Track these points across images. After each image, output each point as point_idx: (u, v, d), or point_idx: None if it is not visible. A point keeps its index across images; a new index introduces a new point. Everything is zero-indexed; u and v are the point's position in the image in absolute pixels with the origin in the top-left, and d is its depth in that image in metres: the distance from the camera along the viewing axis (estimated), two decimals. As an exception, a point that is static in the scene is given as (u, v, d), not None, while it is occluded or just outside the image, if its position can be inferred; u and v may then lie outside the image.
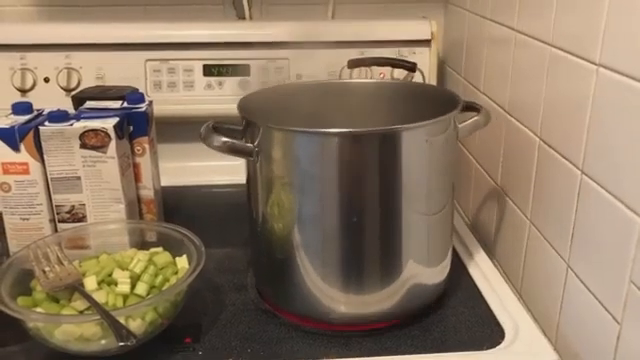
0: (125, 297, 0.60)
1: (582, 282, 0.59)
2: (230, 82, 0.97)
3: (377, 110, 0.72)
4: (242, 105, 0.64)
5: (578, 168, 0.59)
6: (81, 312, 0.58)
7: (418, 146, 0.58)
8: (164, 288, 0.61)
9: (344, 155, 0.57)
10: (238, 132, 0.62)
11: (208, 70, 0.97)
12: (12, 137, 0.69)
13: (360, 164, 0.58)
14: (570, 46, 0.60)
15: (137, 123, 0.75)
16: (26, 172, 0.70)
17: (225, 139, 0.59)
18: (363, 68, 0.94)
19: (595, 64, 0.55)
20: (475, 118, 0.65)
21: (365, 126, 0.57)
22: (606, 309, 0.54)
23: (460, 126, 0.64)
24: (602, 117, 0.55)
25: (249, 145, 0.59)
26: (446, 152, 0.62)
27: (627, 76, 0.50)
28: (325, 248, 0.60)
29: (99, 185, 0.71)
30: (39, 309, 0.58)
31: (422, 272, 0.62)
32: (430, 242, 0.63)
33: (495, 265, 0.74)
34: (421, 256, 0.62)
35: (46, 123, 0.70)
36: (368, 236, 0.60)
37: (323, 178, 0.58)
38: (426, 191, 0.60)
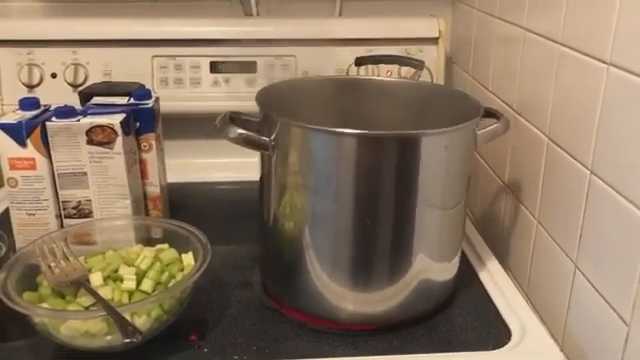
0: (131, 293, 0.60)
1: (590, 283, 0.58)
2: (237, 79, 0.97)
3: (396, 109, 0.71)
4: (260, 97, 0.63)
5: (587, 168, 0.58)
6: (87, 308, 0.58)
7: (437, 151, 0.58)
8: (170, 285, 0.61)
9: (361, 156, 0.56)
10: (254, 124, 0.61)
11: (215, 67, 0.96)
12: (19, 132, 0.69)
13: (376, 166, 0.57)
14: (580, 45, 0.59)
15: (144, 119, 0.75)
16: (33, 167, 0.70)
17: (241, 131, 0.58)
18: (370, 66, 0.93)
19: (606, 63, 0.55)
20: (495, 126, 0.64)
21: (383, 126, 0.57)
22: (614, 310, 0.54)
23: (479, 133, 0.62)
24: (612, 117, 0.54)
25: (265, 139, 0.58)
26: (463, 158, 0.61)
27: (638, 75, 0.50)
28: (336, 248, 0.59)
29: (105, 181, 0.71)
30: (45, 305, 0.58)
31: (432, 270, 0.62)
32: (442, 241, 0.63)
33: (502, 265, 0.74)
34: (432, 254, 0.61)
35: (53, 119, 0.70)
36: (380, 236, 0.59)
37: (338, 177, 0.57)
38: (440, 193, 0.60)
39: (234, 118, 0.59)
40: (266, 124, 0.59)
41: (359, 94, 0.73)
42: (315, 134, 0.57)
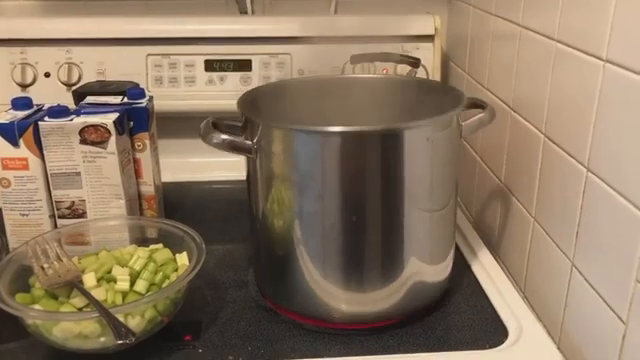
0: (124, 294, 0.59)
1: (587, 281, 0.58)
2: (232, 77, 0.96)
3: (380, 106, 0.71)
4: (242, 102, 0.63)
5: (583, 165, 0.58)
6: (80, 309, 0.57)
7: (419, 144, 0.58)
8: (164, 285, 0.61)
9: (344, 153, 0.56)
10: (238, 128, 0.61)
11: (210, 65, 0.96)
12: (11, 132, 0.69)
13: (360, 162, 0.57)
14: (576, 41, 0.59)
15: (137, 118, 0.75)
16: (25, 168, 0.70)
17: (224, 136, 0.58)
18: (366, 63, 0.93)
19: (602, 60, 0.54)
20: (480, 115, 0.64)
21: (367, 123, 0.56)
22: (611, 308, 0.54)
23: (464, 124, 0.62)
24: (608, 114, 0.54)
25: (248, 142, 0.59)
26: (449, 150, 0.61)
27: (635, 72, 0.49)
28: (325, 247, 0.59)
29: (99, 181, 0.71)
30: (37, 306, 0.58)
31: (424, 270, 0.62)
32: (432, 240, 0.62)
33: (499, 263, 0.74)
34: (423, 254, 0.61)
35: (46, 118, 0.70)
36: (369, 234, 0.59)
37: (323, 176, 0.57)
38: (428, 189, 0.60)
39: (217, 124, 0.60)
40: (248, 128, 0.59)
41: (342, 93, 0.73)
42: (296, 134, 0.57)
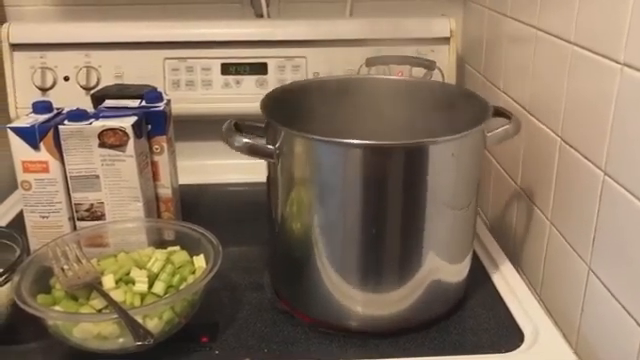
0: (143, 296, 0.60)
1: (604, 285, 0.58)
2: (248, 80, 0.97)
3: (403, 110, 0.70)
4: (264, 104, 0.62)
5: (600, 169, 0.58)
6: (99, 310, 0.58)
7: (444, 159, 0.57)
8: (181, 287, 0.61)
9: (366, 166, 0.56)
10: (261, 129, 0.61)
11: (226, 68, 0.97)
12: (32, 136, 0.70)
13: (382, 175, 0.56)
14: (593, 44, 0.59)
15: (155, 122, 0.76)
16: (46, 170, 0.71)
17: (246, 140, 0.58)
18: (381, 66, 0.93)
19: (619, 63, 0.54)
20: (505, 127, 0.63)
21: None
22: (629, 313, 0.53)
23: (488, 135, 0.61)
24: (626, 117, 0.53)
25: (270, 147, 0.58)
26: (473, 162, 0.61)
27: (652, 75, 0.49)
28: (344, 255, 0.59)
29: (117, 184, 0.72)
30: (58, 307, 0.59)
31: (442, 274, 0.62)
32: (451, 247, 0.62)
33: (515, 267, 0.73)
34: (441, 262, 0.61)
35: (65, 122, 0.71)
36: (387, 245, 0.59)
37: (344, 186, 0.57)
38: (449, 199, 0.59)
39: (239, 125, 0.59)
40: (270, 132, 0.59)
41: (367, 94, 0.72)
42: (319, 144, 0.56)
